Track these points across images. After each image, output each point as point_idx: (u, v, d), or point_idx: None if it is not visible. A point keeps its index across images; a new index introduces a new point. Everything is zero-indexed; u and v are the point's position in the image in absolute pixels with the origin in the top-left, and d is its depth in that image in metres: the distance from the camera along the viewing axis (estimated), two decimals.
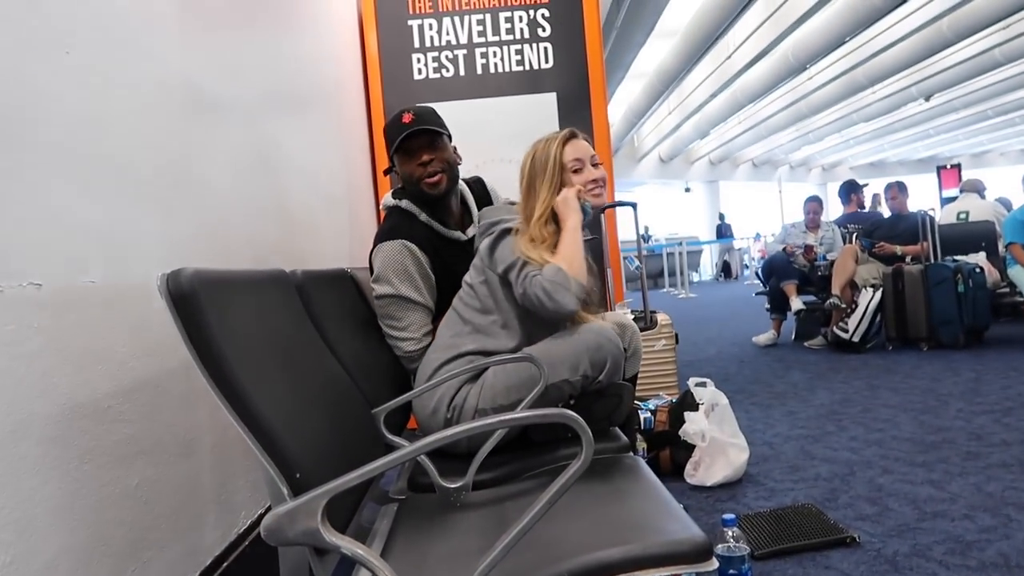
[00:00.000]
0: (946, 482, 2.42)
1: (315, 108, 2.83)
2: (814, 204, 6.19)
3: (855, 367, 4.72)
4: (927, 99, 14.66)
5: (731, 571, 1.63)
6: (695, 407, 2.66)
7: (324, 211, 2.77)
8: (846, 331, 5.29)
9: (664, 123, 16.58)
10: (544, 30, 3.70)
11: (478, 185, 2.38)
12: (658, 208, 22.31)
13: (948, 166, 14.70)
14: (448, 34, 3.68)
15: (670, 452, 2.70)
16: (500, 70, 3.70)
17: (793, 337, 6.10)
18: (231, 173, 1.85)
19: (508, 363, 1.72)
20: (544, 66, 3.71)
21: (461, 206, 2.26)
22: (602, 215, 3.53)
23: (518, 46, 3.69)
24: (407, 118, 2.07)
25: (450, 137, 2.19)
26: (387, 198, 2.21)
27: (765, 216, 22.45)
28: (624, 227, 4.18)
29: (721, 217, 20.09)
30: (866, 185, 6.57)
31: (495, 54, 3.69)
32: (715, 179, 22.42)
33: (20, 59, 1.05)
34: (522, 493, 1.44)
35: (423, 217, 2.11)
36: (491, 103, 3.65)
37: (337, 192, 3.02)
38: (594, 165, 1.92)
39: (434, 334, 1.98)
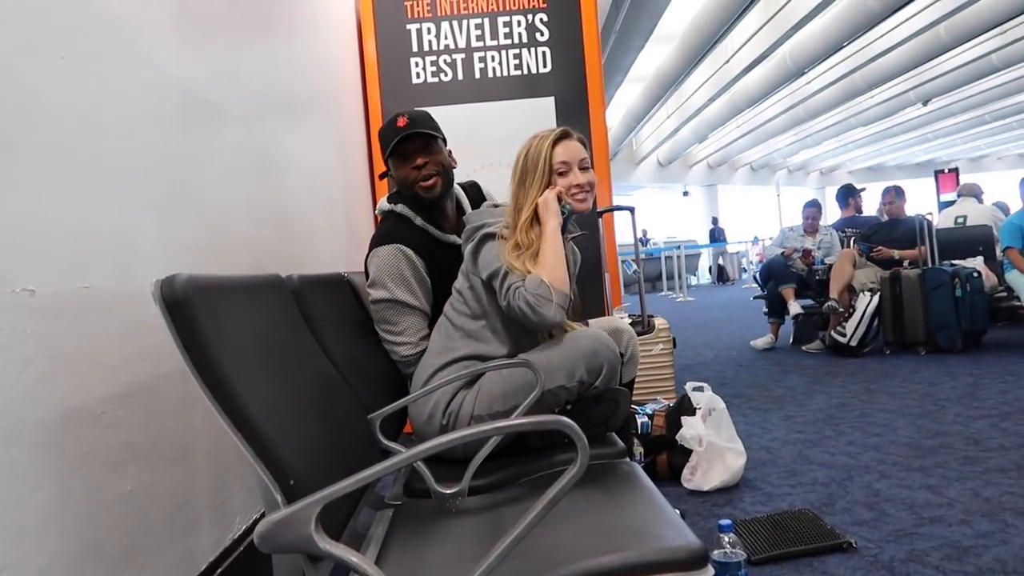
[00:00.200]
0: (943, 487, 2.42)
1: (313, 112, 2.83)
2: (813, 209, 6.20)
3: (853, 371, 4.72)
4: (925, 103, 14.69)
5: None
6: (692, 411, 2.66)
7: (322, 215, 2.77)
8: (844, 335, 5.28)
9: (663, 127, 16.61)
10: (542, 34, 3.70)
11: (473, 190, 2.37)
12: (656, 212, 22.33)
13: (946, 170, 14.75)
14: (446, 38, 3.68)
15: (667, 456, 2.69)
16: (498, 74, 3.70)
17: (791, 341, 6.10)
18: (228, 178, 1.85)
19: (504, 368, 1.71)
20: (542, 70, 3.71)
21: (456, 210, 2.25)
22: (600, 219, 3.53)
23: (516, 50, 3.69)
24: (402, 122, 2.07)
25: (445, 141, 2.19)
26: (382, 203, 2.21)
27: (763, 220, 22.49)
28: (622, 231, 4.17)
29: (714, 221, 20.07)
30: (863, 189, 6.56)
31: (493, 58, 3.69)
32: (713, 183, 22.45)
33: (14, 63, 1.05)
34: (518, 499, 1.44)
35: (418, 221, 2.11)
36: (489, 107, 3.65)
37: (335, 196, 3.02)
38: (582, 169, 1.88)
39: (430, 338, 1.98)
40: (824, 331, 5.62)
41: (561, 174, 1.86)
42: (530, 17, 3.70)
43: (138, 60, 1.44)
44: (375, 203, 3.63)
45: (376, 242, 2.06)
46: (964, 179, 11.85)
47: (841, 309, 5.34)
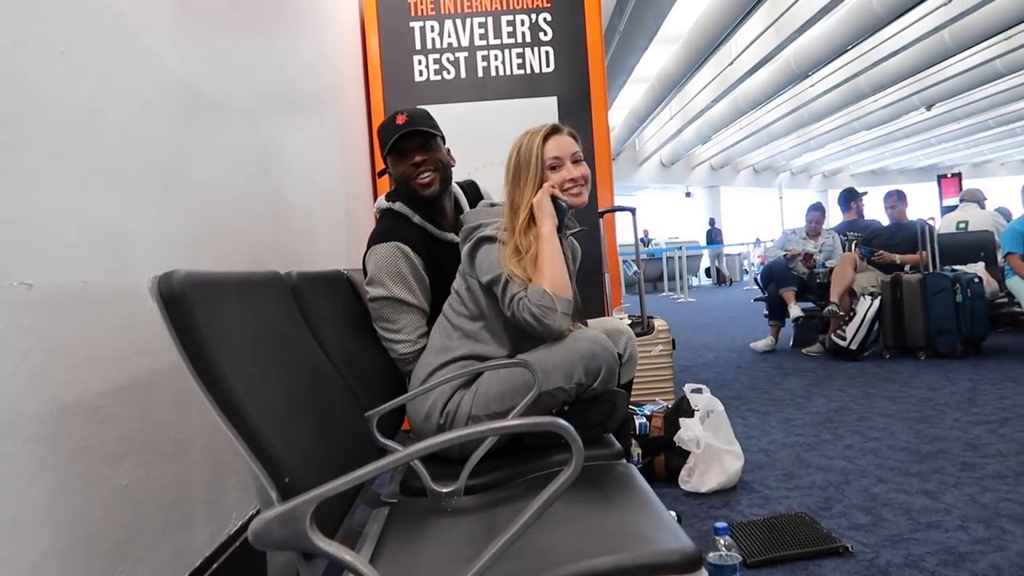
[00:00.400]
0: (941, 492, 2.42)
1: (315, 109, 2.83)
2: (817, 213, 6.19)
3: (852, 375, 4.72)
4: (928, 108, 14.68)
5: None
6: (690, 413, 2.66)
7: (323, 212, 2.77)
8: (844, 339, 5.28)
9: (666, 128, 16.61)
10: (546, 34, 3.70)
11: (471, 188, 2.37)
12: (658, 212, 22.33)
13: (949, 175, 14.73)
14: (449, 36, 3.68)
15: (665, 458, 2.69)
16: (501, 73, 3.70)
17: (791, 344, 6.09)
18: (228, 174, 1.85)
19: (503, 368, 1.71)
20: (545, 70, 3.71)
21: (455, 209, 2.25)
22: (600, 220, 3.53)
23: (519, 49, 3.69)
24: (400, 119, 2.08)
25: (443, 139, 2.19)
26: (380, 201, 2.21)
27: (765, 222, 22.48)
28: (623, 231, 4.17)
29: (711, 222, 20.03)
30: (865, 193, 6.56)
31: (496, 57, 3.69)
32: (716, 184, 22.43)
33: (13, 59, 1.05)
34: (514, 499, 1.44)
35: (416, 219, 2.11)
36: (491, 106, 3.65)
37: (336, 193, 3.02)
38: (575, 162, 1.87)
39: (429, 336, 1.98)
40: (824, 334, 5.61)
41: (553, 168, 1.84)
42: (533, 16, 3.70)
43: (139, 56, 1.44)
44: (376, 201, 3.64)
45: (374, 240, 2.06)
46: (967, 184, 11.83)
47: (841, 313, 5.34)
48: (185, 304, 0.90)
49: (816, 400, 4.01)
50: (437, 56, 3.68)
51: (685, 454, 2.59)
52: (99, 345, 1.20)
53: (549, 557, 1.02)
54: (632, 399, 2.60)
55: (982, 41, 9.93)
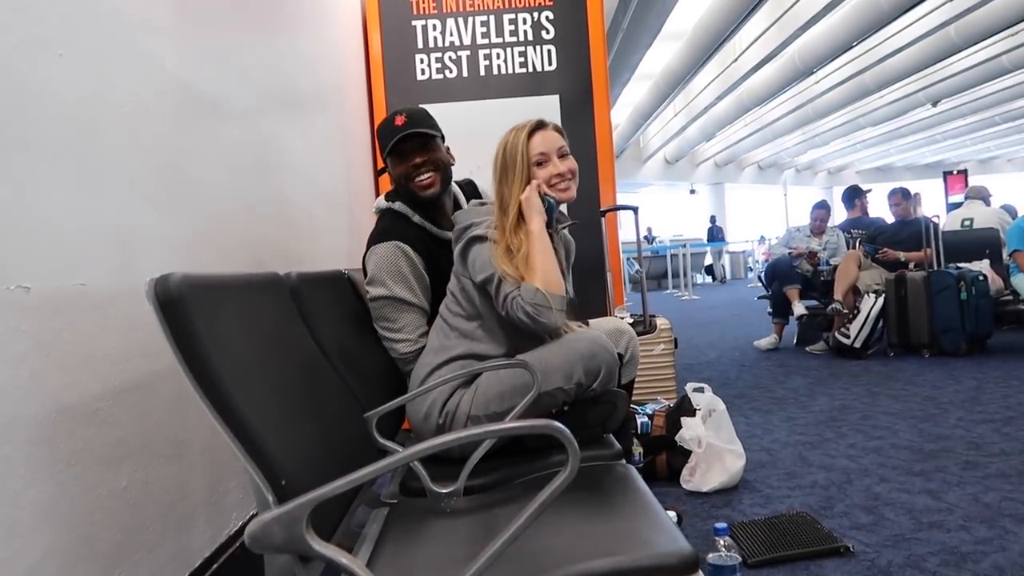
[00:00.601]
0: (943, 492, 2.41)
1: (317, 108, 2.83)
2: (822, 211, 6.17)
3: (856, 373, 4.71)
4: (934, 104, 14.61)
5: None
6: (692, 412, 2.65)
7: (324, 212, 2.77)
8: (848, 337, 5.27)
9: (670, 125, 16.58)
10: (548, 32, 3.69)
11: (469, 187, 2.37)
12: (663, 210, 22.30)
13: (955, 171, 14.67)
14: (452, 35, 3.67)
15: (666, 457, 2.69)
16: (503, 72, 3.69)
17: (795, 342, 6.08)
18: (229, 174, 1.85)
19: (502, 369, 1.71)
20: (547, 68, 3.70)
21: (454, 207, 2.25)
22: (603, 218, 3.53)
23: (522, 48, 3.69)
24: (399, 120, 2.07)
25: (443, 138, 2.18)
26: (380, 201, 2.21)
27: (770, 219, 22.43)
28: (627, 229, 4.17)
29: (712, 220, 19.97)
30: (869, 190, 6.53)
31: (498, 56, 3.69)
32: (720, 181, 22.39)
33: (11, 60, 1.05)
34: (513, 500, 1.44)
35: (416, 219, 2.11)
36: (494, 105, 3.65)
37: (338, 193, 3.02)
38: (562, 157, 1.86)
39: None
40: (828, 332, 5.60)
41: (540, 164, 1.84)
42: (536, 15, 3.69)
43: (138, 56, 1.44)
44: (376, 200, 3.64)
45: (374, 240, 2.06)
46: (973, 181, 11.79)
47: (845, 311, 5.33)
48: (182, 307, 0.90)
49: (819, 398, 4.00)
50: (439, 55, 3.67)
51: (687, 453, 2.59)
52: (98, 347, 1.20)
53: (545, 559, 1.02)
54: (634, 398, 2.60)
55: (988, 37, 9.88)
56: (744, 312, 9.45)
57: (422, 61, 3.67)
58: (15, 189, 1.03)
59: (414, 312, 2.00)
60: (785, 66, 11.15)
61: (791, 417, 3.60)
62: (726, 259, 20.33)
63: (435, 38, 3.67)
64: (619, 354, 2.19)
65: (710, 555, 1.66)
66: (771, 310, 6.14)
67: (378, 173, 2.36)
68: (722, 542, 1.67)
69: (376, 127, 2.31)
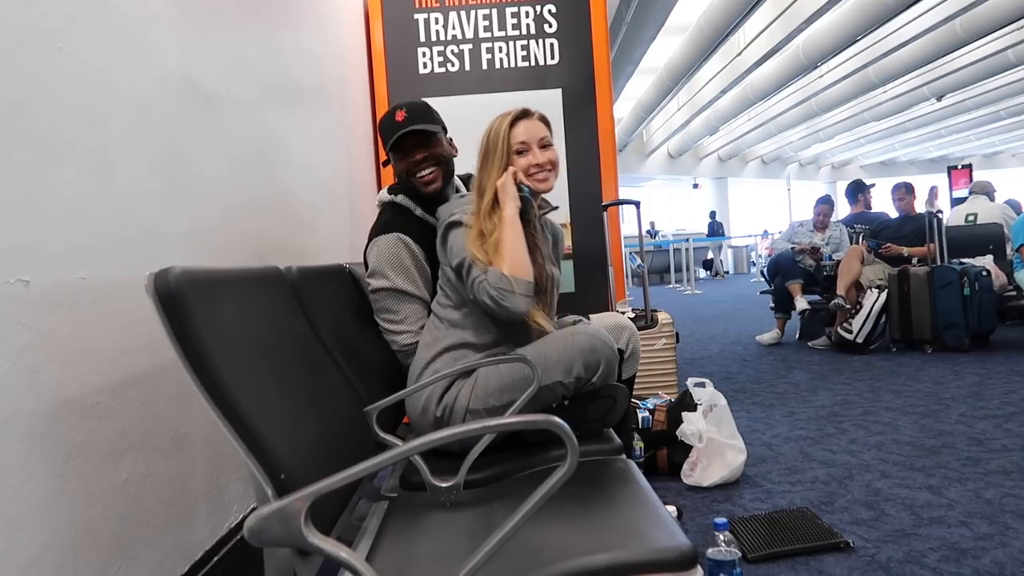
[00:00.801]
0: (944, 488, 2.41)
1: (319, 102, 2.83)
2: (825, 207, 6.15)
3: (858, 368, 4.71)
4: (939, 99, 14.56)
5: (722, 575, 1.63)
6: (693, 407, 2.65)
7: (326, 206, 2.77)
8: (850, 332, 5.26)
9: (673, 119, 16.54)
10: (551, 26, 3.68)
11: (469, 181, 2.37)
12: (666, 204, 22.26)
13: (959, 166, 14.61)
14: (454, 28, 3.67)
15: (667, 452, 2.69)
16: (506, 65, 3.69)
17: (797, 337, 6.08)
18: (230, 169, 1.85)
19: (501, 364, 1.71)
20: (550, 62, 3.69)
21: None
22: (605, 213, 3.52)
23: (524, 41, 3.68)
24: (400, 116, 2.07)
25: (445, 129, 2.19)
26: (382, 193, 2.21)
27: (773, 213, 22.39)
28: (630, 222, 4.16)
29: (712, 215, 19.91)
30: (872, 185, 6.52)
31: (501, 49, 3.68)
32: (724, 175, 22.33)
33: (12, 55, 1.05)
34: (513, 494, 1.44)
35: (418, 212, 2.11)
36: (496, 98, 3.63)
37: (340, 187, 3.02)
38: (543, 147, 1.86)
39: None
40: (830, 327, 5.59)
41: (520, 153, 1.84)
42: (538, 8, 3.68)
43: (139, 50, 1.44)
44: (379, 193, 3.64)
45: (376, 232, 2.07)
46: (978, 176, 11.75)
47: (848, 306, 5.32)
48: (181, 301, 0.90)
49: (821, 394, 4.00)
50: (441, 48, 3.67)
51: (687, 448, 2.59)
52: (98, 341, 1.20)
53: (543, 554, 1.02)
54: (635, 393, 2.60)
55: (994, 31, 9.83)
56: (746, 307, 9.44)
57: (424, 54, 3.67)
58: (15, 183, 1.03)
59: (416, 304, 2.00)
60: (789, 60, 11.11)
61: (792, 412, 3.60)
62: (728, 254, 20.30)
63: (437, 31, 3.66)
64: (620, 349, 2.19)
65: (710, 550, 1.66)
66: (773, 305, 6.14)
67: (383, 163, 2.36)
68: (722, 537, 1.67)
69: (378, 120, 2.32)
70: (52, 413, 1.07)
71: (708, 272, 18.51)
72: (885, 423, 3.29)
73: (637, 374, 2.40)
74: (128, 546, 1.24)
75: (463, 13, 3.66)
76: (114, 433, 1.22)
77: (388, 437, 1.58)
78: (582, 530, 1.15)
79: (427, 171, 2.08)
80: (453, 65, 3.67)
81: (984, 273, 4.98)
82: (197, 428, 1.51)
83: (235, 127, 1.92)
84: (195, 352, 0.91)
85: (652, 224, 18.97)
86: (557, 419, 0.85)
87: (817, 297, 5.84)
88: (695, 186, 22.26)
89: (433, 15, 3.66)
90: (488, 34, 3.68)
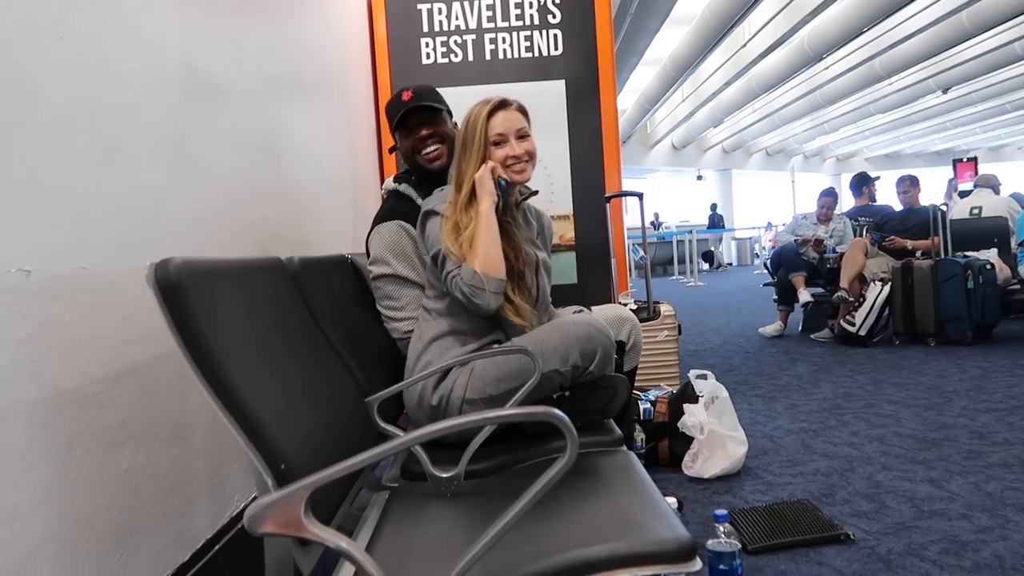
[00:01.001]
0: (945, 480, 2.41)
1: (321, 93, 2.82)
2: (828, 199, 6.14)
3: (861, 361, 4.70)
4: (945, 91, 14.48)
5: (721, 566, 1.63)
6: (695, 399, 2.66)
7: (328, 196, 2.76)
8: (853, 324, 5.26)
9: (678, 110, 16.48)
10: (554, 16, 3.66)
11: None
12: (670, 196, 22.22)
13: (965, 159, 14.54)
14: (457, 19, 3.65)
15: (669, 443, 2.70)
16: (509, 56, 3.67)
17: (800, 329, 6.08)
18: (232, 159, 1.85)
19: (499, 356, 1.71)
20: (553, 53, 3.67)
21: None
22: (608, 204, 3.51)
23: (527, 32, 3.66)
24: (406, 96, 2.14)
25: (450, 113, 2.22)
26: (388, 182, 2.24)
27: (778, 205, 22.34)
28: (633, 214, 4.15)
29: (713, 207, 19.85)
30: (877, 178, 6.49)
31: (504, 40, 3.66)
32: (728, 167, 22.27)
33: (11, 44, 1.05)
34: (513, 485, 1.43)
35: (420, 201, 2.11)
36: (499, 89, 3.56)
37: (342, 177, 3.01)
38: (520, 138, 1.84)
39: None
40: (833, 320, 5.59)
41: (496, 144, 1.83)
42: None
43: (140, 39, 1.43)
44: (383, 184, 3.64)
45: (378, 220, 2.09)
46: (983, 169, 11.68)
47: (851, 298, 5.31)
48: (181, 292, 0.90)
49: (823, 386, 4.00)
50: (444, 39, 3.65)
51: (689, 440, 2.60)
52: (99, 331, 1.20)
53: (542, 546, 1.02)
54: (637, 384, 2.60)
55: (1000, 24, 9.77)
56: (749, 299, 9.43)
57: (427, 45, 3.65)
58: (15, 172, 1.03)
59: (416, 290, 2.01)
60: (794, 52, 11.06)
61: (794, 404, 3.61)
62: (732, 246, 20.27)
63: (440, 22, 3.65)
64: (622, 342, 2.20)
65: (710, 541, 1.67)
66: (776, 297, 6.14)
67: (390, 150, 2.38)
68: (722, 528, 1.67)
69: (385, 104, 2.34)
70: (53, 403, 1.07)
71: (708, 264, 18.46)
72: (887, 416, 3.28)
73: (639, 366, 2.40)
74: (129, 535, 1.24)
75: (466, 3, 3.64)
76: (115, 423, 1.22)
77: (389, 427, 1.58)
78: (581, 521, 1.15)
79: (432, 148, 2.12)
80: (456, 56, 3.66)
81: (988, 266, 4.97)
82: (198, 418, 1.52)
83: (237, 117, 1.92)
84: (195, 343, 0.91)
85: (656, 216, 18.94)
86: (557, 411, 0.86)
87: (820, 290, 5.84)
88: (699, 178, 22.20)
89: (436, 5, 3.64)
90: (491, 24, 3.66)
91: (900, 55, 11.38)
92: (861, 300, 5.28)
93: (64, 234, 1.14)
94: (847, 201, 6.72)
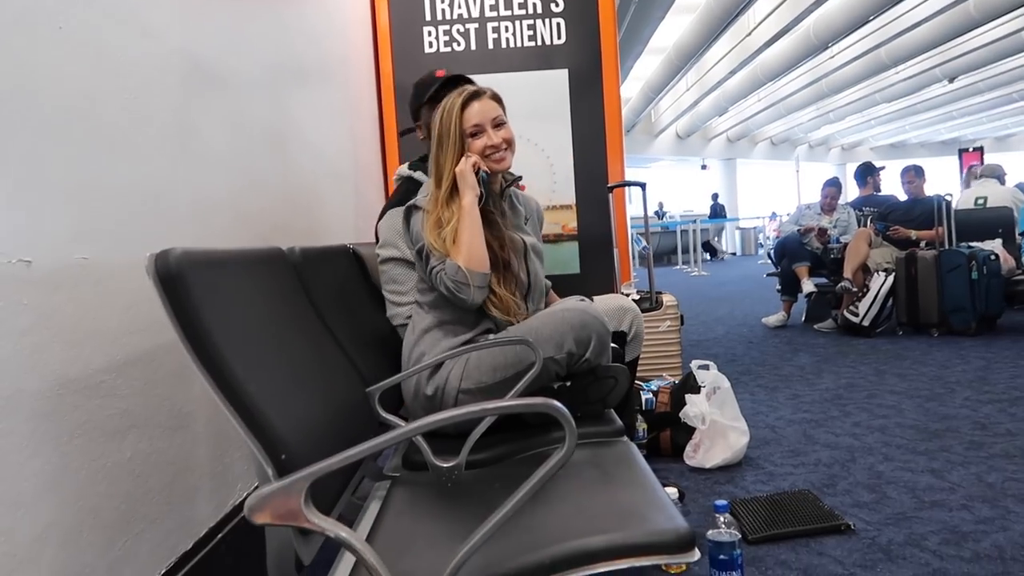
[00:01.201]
0: (947, 471, 2.41)
1: (323, 82, 2.81)
2: (832, 189, 6.10)
3: (864, 352, 4.70)
4: (951, 81, 14.41)
5: (721, 556, 1.64)
6: (696, 390, 2.66)
7: (330, 187, 2.76)
8: (856, 315, 5.25)
9: (682, 99, 16.43)
10: (557, 5, 3.64)
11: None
12: (674, 185, 22.16)
13: (970, 149, 14.49)
14: (460, 7, 3.63)
15: (670, 433, 2.70)
16: (512, 45, 3.66)
17: (803, 319, 6.07)
18: (233, 148, 1.85)
19: (495, 346, 1.71)
20: (556, 42, 3.66)
21: None
22: (610, 194, 3.51)
23: (530, 21, 3.64)
24: (440, 72, 2.19)
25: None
26: (402, 168, 2.24)
27: (782, 195, 22.27)
28: (637, 203, 4.14)
29: (714, 197, 19.78)
30: (882, 168, 6.47)
31: (507, 28, 3.65)
32: (732, 157, 22.20)
33: (10, 35, 1.05)
34: (514, 475, 1.43)
35: None
36: (502, 78, 3.59)
37: (344, 167, 3.01)
38: (497, 127, 1.83)
39: None
40: (837, 310, 5.58)
41: (474, 135, 1.81)
42: None
43: (140, 28, 1.43)
44: (386, 174, 3.63)
45: (389, 205, 2.09)
46: (989, 159, 11.65)
47: (855, 289, 5.30)
48: (181, 282, 0.91)
49: (826, 376, 4.00)
50: (447, 27, 3.64)
51: (691, 430, 2.60)
52: (101, 321, 1.21)
53: (540, 536, 1.02)
54: (639, 375, 2.60)
55: (1008, 12, 9.70)
56: (753, 289, 9.42)
57: (430, 34, 3.64)
58: (15, 163, 1.03)
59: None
60: (800, 40, 11.00)
61: (797, 395, 3.61)
62: (736, 235, 20.22)
63: (443, 10, 3.63)
64: (623, 332, 2.20)
65: (709, 531, 1.67)
66: (780, 287, 6.13)
67: (400, 134, 2.39)
68: (722, 519, 1.68)
69: (414, 84, 2.34)
70: (56, 392, 1.08)
71: (708, 254, 18.42)
72: (889, 406, 3.28)
73: (641, 356, 2.40)
74: (132, 523, 1.25)
75: None
76: (117, 412, 1.23)
77: (390, 417, 1.59)
78: (581, 512, 1.16)
79: None
80: (459, 44, 3.64)
81: (992, 257, 4.95)
82: (200, 407, 1.52)
83: (238, 106, 1.91)
84: (195, 333, 0.91)
85: (660, 205, 18.90)
86: (556, 403, 0.86)
87: (824, 280, 5.82)
88: (703, 167, 22.13)
89: None
90: (494, 13, 3.64)
91: (906, 44, 11.31)
92: (865, 290, 5.27)
93: (65, 225, 1.14)
94: (852, 191, 6.69)
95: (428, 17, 3.63)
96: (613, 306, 2.24)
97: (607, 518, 1.11)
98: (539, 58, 3.66)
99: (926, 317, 5.11)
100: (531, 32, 3.65)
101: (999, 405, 3.19)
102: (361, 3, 3.55)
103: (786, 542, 1.96)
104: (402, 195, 2.12)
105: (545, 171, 3.64)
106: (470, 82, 2.09)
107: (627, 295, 3.14)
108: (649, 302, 3.48)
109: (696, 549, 1.00)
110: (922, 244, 5.47)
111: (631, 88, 14.55)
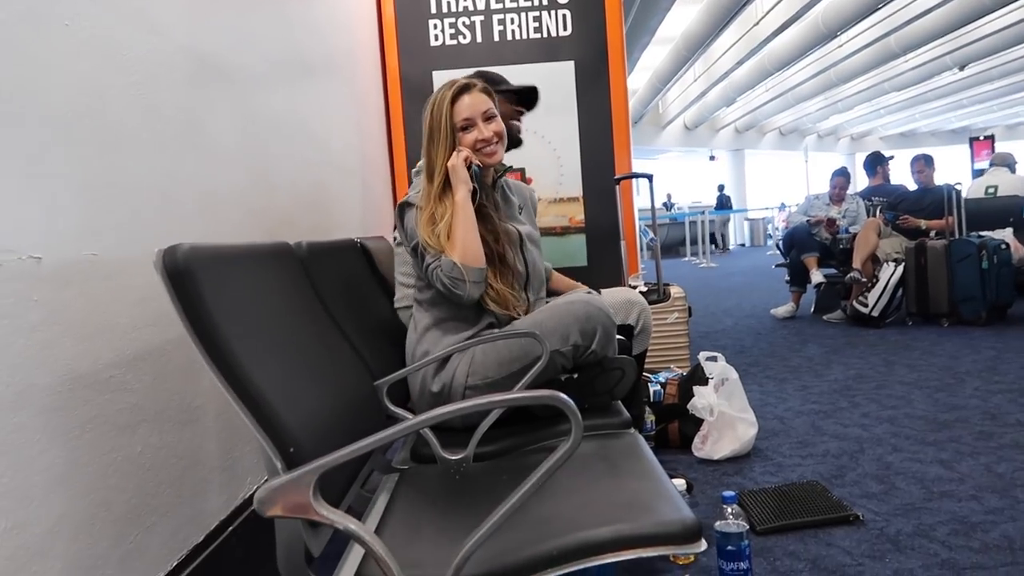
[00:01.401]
0: (956, 462, 2.41)
1: (329, 76, 2.82)
2: (841, 179, 6.08)
3: (873, 342, 4.68)
4: (961, 68, 14.27)
5: (729, 547, 1.64)
6: (704, 381, 2.66)
7: (337, 181, 2.77)
8: (866, 305, 5.23)
9: (690, 90, 16.35)
10: None
11: None
12: (682, 176, 22.08)
13: (981, 137, 14.37)
14: (465, 0, 3.63)
15: (679, 425, 2.71)
16: (518, 37, 3.65)
17: (812, 310, 6.05)
18: (239, 144, 1.85)
19: (500, 340, 1.72)
20: (562, 33, 3.65)
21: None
22: (617, 186, 3.50)
23: (536, 13, 3.64)
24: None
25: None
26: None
27: (791, 185, 22.17)
28: (645, 194, 4.14)
29: (720, 188, 19.69)
30: (892, 157, 6.43)
31: (513, 20, 3.64)
32: (741, 147, 22.10)
33: (17, 31, 1.05)
34: (521, 467, 1.45)
35: None
36: (508, 71, 3.55)
37: (350, 161, 3.01)
38: (487, 120, 1.81)
39: None
40: (846, 301, 5.56)
41: (464, 129, 1.80)
42: None
43: (147, 24, 1.43)
44: (392, 167, 3.64)
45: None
46: (1000, 147, 11.55)
47: (864, 279, 5.28)
48: (190, 277, 0.91)
49: (835, 367, 3.99)
50: (453, 20, 3.63)
51: (699, 421, 2.60)
52: (110, 316, 1.22)
53: (548, 528, 1.03)
54: (647, 366, 2.60)
55: None
56: (761, 280, 9.39)
57: (435, 26, 3.64)
58: (23, 160, 1.04)
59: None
60: (808, 29, 10.92)
61: (805, 386, 3.60)
62: (744, 226, 20.14)
63: (449, 3, 3.63)
64: (630, 326, 2.20)
65: (717, 523, 1.67)
66: (789, 278, 6.10)
67: None
68: (730, 510, 1.68)
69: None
70: (66, 387, 1.08)
71: (714, 245, 18.36)
72: (899, 397, 3.28)
73: (649, 348, 2.40)
74: (143, 516, 1.26)
75: None
76: (128, 406, 1.24)
77: (398, 410, 1.60)
78: (588, 503, 1.16)
79: None
80: (465, 37, 3.64)
81: (1003, 246, 4.93)
82: (210, 401, 1.53)
83: (244, 101, 1.92)
84: (204, 328, 0.92)
85: (668, 196, 18.84)
86: (561, 395, 0.86)
87: (833, 270, 5.80)
88: (712, 158, 22.04)
89: None
90: (500, 5, 3.64)
91: (916, 32, 11.21)
92: (874, 281, 5.25)
93: (74, 221, 1.15)
94: (861, 181, 6.65)
95: (434, 10, 3.63)
96: (620, 299, 2.24)
97: (614, 509, 1.11)
98: (545, 50, 3.65)
99: (936, 307, 5.08)
100: (537, 24, 3.64)
101: (1009, 395, 3.18)
102: None
103: (794, 533, 1.96)
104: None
105: (552, 163, 3.63)
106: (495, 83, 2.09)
107: (635, 287, 3.14)
108: (657, 294, 3.47)
109: (703, 539, 1.01)
110: (932, 234, 5.44)
111: (638, 79, 14.49)
